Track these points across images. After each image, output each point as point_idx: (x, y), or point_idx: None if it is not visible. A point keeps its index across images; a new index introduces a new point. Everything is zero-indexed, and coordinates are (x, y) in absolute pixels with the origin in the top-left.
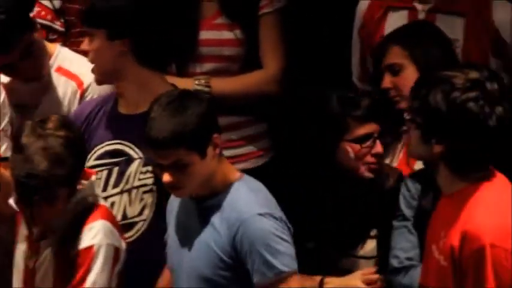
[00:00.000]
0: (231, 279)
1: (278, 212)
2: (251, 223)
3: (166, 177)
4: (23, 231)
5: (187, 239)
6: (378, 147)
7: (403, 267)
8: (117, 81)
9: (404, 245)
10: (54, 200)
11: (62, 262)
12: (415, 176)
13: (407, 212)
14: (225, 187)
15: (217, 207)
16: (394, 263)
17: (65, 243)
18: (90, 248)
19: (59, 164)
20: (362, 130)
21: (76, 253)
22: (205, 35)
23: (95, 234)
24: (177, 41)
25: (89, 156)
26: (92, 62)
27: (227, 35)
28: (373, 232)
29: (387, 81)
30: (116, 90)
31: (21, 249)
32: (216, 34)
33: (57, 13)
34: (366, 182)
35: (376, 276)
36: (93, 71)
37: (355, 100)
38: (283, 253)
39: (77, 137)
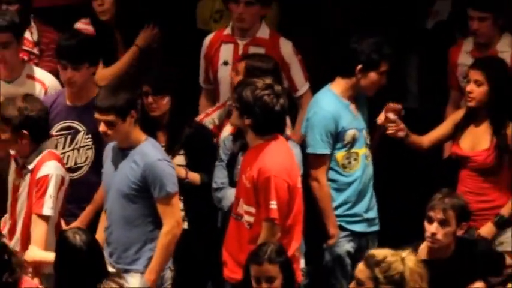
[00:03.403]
0: (138, 196)
1: (167, 157)
2: (154, 165)
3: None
4: (13, 163)
5: (114, 171)
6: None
7: (218, 188)
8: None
9: (220, 175)
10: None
11: (31, 183)
12: (231, 136)
13: (224, 156)
14: (138, 143)
15: (133, 154)
16: (214, 185)
17: (33, 172)
18: (47, 175)
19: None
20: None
21: (39, 178)
22: None
23: (49, 167)
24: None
25: (52, 130)
26: (77, 82)
27: None
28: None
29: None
30: (71, 91)
31: (12, 174)
32: None
33: (35, 43)
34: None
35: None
36: (72, 85)
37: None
38: (171, 182)
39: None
